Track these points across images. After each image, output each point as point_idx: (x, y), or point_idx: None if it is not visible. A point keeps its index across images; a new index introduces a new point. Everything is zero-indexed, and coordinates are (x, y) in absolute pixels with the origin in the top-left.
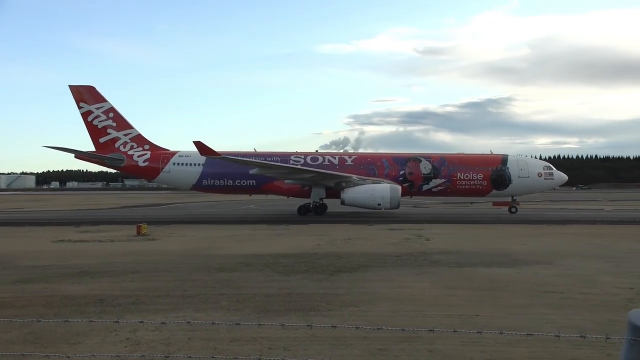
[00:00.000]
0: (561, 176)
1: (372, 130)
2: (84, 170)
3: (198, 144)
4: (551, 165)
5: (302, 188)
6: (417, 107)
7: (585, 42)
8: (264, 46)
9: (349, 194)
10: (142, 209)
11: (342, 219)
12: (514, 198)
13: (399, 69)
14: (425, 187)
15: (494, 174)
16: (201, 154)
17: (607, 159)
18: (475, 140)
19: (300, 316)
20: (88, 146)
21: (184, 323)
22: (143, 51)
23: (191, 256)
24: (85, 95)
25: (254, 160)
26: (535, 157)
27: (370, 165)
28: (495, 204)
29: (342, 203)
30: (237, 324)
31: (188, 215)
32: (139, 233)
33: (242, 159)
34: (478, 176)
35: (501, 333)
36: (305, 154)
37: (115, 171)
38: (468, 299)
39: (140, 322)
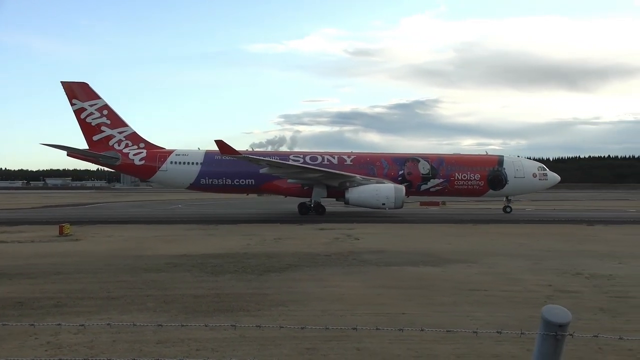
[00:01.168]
0: (554, 177)
1: (302, 130)
2: (3, 169)
3: (219, 142)
4: (545, 166)
5: (302, 187)
6: (347, 107)
7: (507, 46)
8: (194, 44)
9: (354, 193)
10: (65, 209)
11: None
12: (509, 198)
13: (329, 70)
14: (423, 187)
15: (491, 174)
16: (221, 153)
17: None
18: (404, 140)
19: (229, 317)
20: (73, 143)
21: (107, 325)
22: (65, 46)
23: (116, 257)
24: (78, 92)
25: (276, 160)
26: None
27: (370, 165)
28: (422, 203)
29: (346, 203)
30: (160, 325)
31: (113, 215)
32: (61, 233)
33: (262, 158)
34: (475, 176)
35: (422, 330)
36: (304, 154)
37: (33, 169)
38: (395, 297)
39: (62, 325)
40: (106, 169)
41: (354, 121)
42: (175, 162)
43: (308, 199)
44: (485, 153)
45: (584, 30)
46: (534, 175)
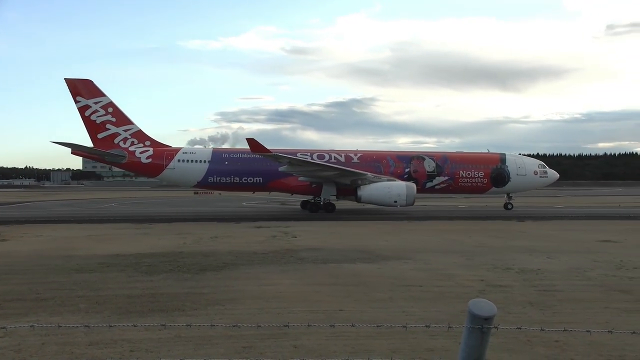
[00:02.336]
0: (554, 174)
1: (240, 128)
2: None
3: (251, 141)
4: (544, 164)
5: (310, 185)
6: (284, 105)
7: (441, 47)
8: (127, 40)
9: (366, 191)
10: None
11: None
12: (510, 195)
13: (266, 67)
14: (428, 185)
15: (494, 172)
16: (252, 151)
17: None
18: (341, 139)
19: (164, 317)
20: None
21: (35, 327)
22: None
23: (46, 257)
24: (82, 89)
25: (309, 160)
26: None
27: (376, 163)
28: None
29: (358, 200)
30: (91, 326)
31: (43, 215)
32: None
33: (291, 157)
34: (479, 174)
35: (353, 326)
36: (311, 152)
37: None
38: (332, 294)
39: None
40: (34, 167)
41: (292, 119)
42: (183, 160)
43: (311, 197)
44: (487, 151)
45: (514, 32)
46: (535, 173)
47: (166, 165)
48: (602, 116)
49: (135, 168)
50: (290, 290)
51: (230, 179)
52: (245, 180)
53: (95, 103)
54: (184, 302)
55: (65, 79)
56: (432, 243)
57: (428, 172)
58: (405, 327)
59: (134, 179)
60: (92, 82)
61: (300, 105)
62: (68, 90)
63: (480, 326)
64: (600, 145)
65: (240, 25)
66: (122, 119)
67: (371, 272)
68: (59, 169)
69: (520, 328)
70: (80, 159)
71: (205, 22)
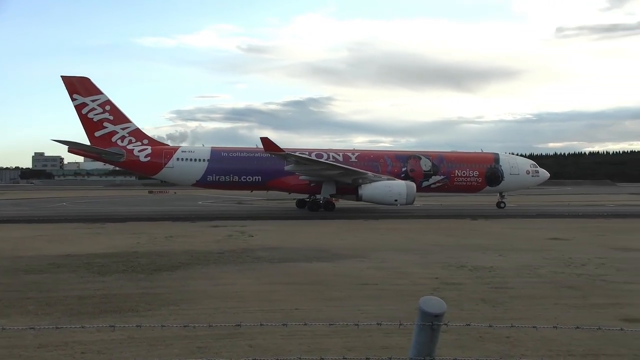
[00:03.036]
0: (545, 173)
1: (195, 126)
2: None
3: (265, 140)
4: (536, 163)
5: (309, 184)
6: (240, 104)
7: (397, 47)
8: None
9: (367, 190)
10: None
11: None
12: (502, 194)
13: (222, 66)
14: (424, 184)
15: (489, 171)
16: (265, 151)
17: None
18: (298, 138)
19: (117, 318)
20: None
21: None
22: None
23: None
24: (79, 87)
25: (321, 160)
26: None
27: (374, 162)
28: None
29: (359, 199)
30: (35, 328)
31: None
32: None
33: (306, 156)
34: (474, 173)
35: (306, 324)
36: (310, 150)
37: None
38: (289, 293)
39: None
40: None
41: (248, 118)
42: (182, 159)
43: (307, 196)
44: (480, 150)
45: (468, 34)
46: (527, 172)
47: (165, 164)
48: (552, 117)
49: (134, 167)
50: (246, 290)
51: (230, 178)
52: (244, 179)
53: (93, 101)
54: (137, 302)
55: (62, 76)
56: (387, 241)
57: (424, 171)
58: (357, 325)
59: (86, 177)
60: (89, 79)
61: (257, 104)
62: (65, 88)
63: (431, 323)
64: (551, 145)
65: (195, 23)
66: (119, 117)
67: (328, 271)
68: (7, 168)
69: (469, 325)
70: (30, 156)
71: (159, 20)
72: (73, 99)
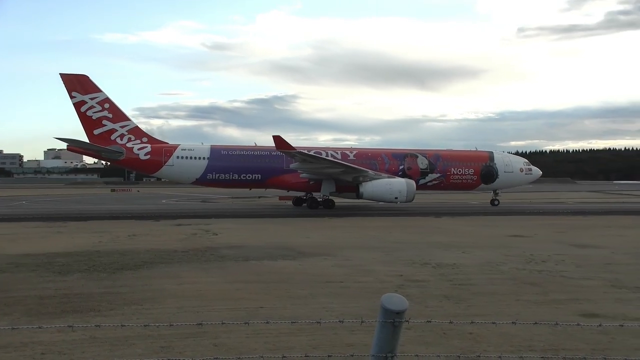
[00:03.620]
0: (537, 171)
1: (159, 124)
2: None
3: (277, 138)
4: (528, 162)
5: (309, 183)
6: (205, 101)
7: (362, 45)
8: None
9: (368, 187)
10: None
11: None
12: (496, 192)
13: (186, 63)
14: (421, 182)
15: (484, 169)
16: (277, 149)
17: None
18: (262, 136)
19: (78, 318)
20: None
21: None
22: None
23: None
24: (77, 85)
25: (330, 159)
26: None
27: (372, 160)
28: (281, 198)
29: (360, 197)
30: None
31: None
32: None
33: (312, 154)
34: (470, 171)
35: (267, 322)
36: (308, 148)
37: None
38: (254, 292)
39: None
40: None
41: (213, 115)
42: (182, 157)
43: (304, 194)
44: (475, 149)
45: (432, 33)
46: (521, 170)
47: (165, 162)
48: (513, 115)
49: (134, 165)
50: (210, 289)
51: (229, 176)
52: (244, 177)
53: (92, 99)
54: (99, 302)
55: (60, 74)
56: (352, 239)
57: (421, 169)
58: (319, 322)
59: (46, 176)
60: (88, 77)
61: (221, 101)
62: (63, 86)
63: (392, 320)
64: (513, 143)
65: (158, 20)
66: (118, 115)
67: (292, 269)
68: None
69: (430, 321)
70: None
71: (121, 15)
72: (72, 97)
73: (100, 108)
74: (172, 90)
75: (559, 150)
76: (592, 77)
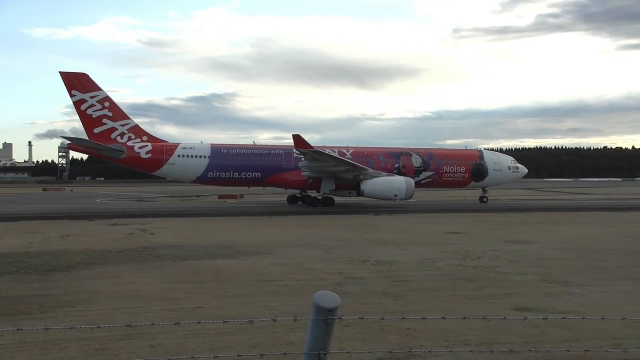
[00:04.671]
0: (523, 169)
1: None
2: None
3: (296, 137)
4: (515, 160)
5: (307, 181)
6: (141, 99)
7: (302, 44)
8: None
9: (369, 185)
10: None
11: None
12: (485, 189)
13: (122, 59)
14: (415, 180)
15: (475, 167)
16: (296, 147)
17: None
18: (201, 134)
19: (7, 321)
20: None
21: None
22: None
23: None
24: (77, 83)
25: (342, 158)
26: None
27: (368, 159)
28: (220, 196)
29: (360, 194)
30: None
31: None
32: None
33: (327, 153)
34: (461, 169)
35: (199, 323)
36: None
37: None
38: (192, 291)
39: None
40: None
41: (150, 113)
42: (183, 156)
43: (299, 192)
44: (464, 147)
45: (370, 33)
46: (509, 168)
47: (166, 161)
48: (450, 114)
49: (135, 163)
50: (147, 289)
51: (230, 174)
52: (244, 175)
53: (92, 97)
54: (30, 304)
55: (60, 72)
56: (292, 237)
57: (415, 167)
58: (251, 321)
59: None
60: (88, 76)
61: (158, 99)
62: (63, 84)
63: (325, 317)
64: (449, 142)
65: (91, 15)
66: (118, 114)
67: (232, 268)
68: None
69: (362, 318)
70: None
71: (52, 10)
72: (72, 95)
73: (101, 106)
74: (107, 87)
75: (492, 149)
76: (525, 78)
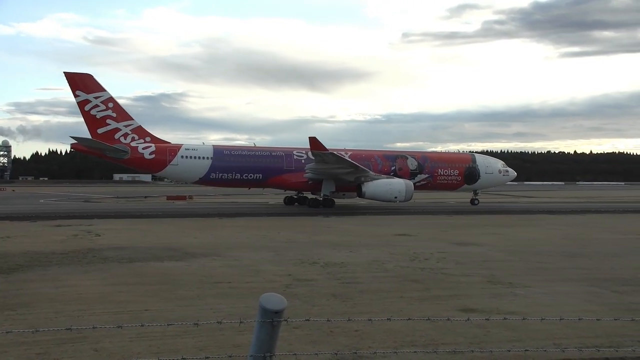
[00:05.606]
0: (513, 172)
1: (37, 120)
2: None
3: (313, 139)
4: (505, 163)
5: (307, 182)
6: None
7: (253, 45)
8: None
9: (370, 187)
10: None
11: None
12: (476, 192)
13: (67, 57)
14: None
15: (467, 170)
16: (312, 149)
17: None
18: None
19: None
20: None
21: None
22: None
23: None
24: (81, 84)
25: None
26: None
27: (366, 162)
28: (168, 198)
29: (362, 196)
30: None
31: None
32: None
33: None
34: (454, 172)
35: (142, 326)
36: (306, 150)
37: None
38: (138, 294)
39: None
40: None
41: None
42: (186, 157)
43: (295, 193)
44: (457, 151)
45: (322, 35)
46: (499, 171)
47: (170, 161)
48: (399, 118)
49: (138, 164)
50: (91, 292)
51: (232, 175)
52: (246, 176)
53: (96, 98)
54: None
55: (64, 72)
56: (242, 239)
57: (411, 170)
58: (197, 324)
59: None
60: (92, 76)
61: None
62: (67, 84)
63: (271, 320)
64: (399, 144)
65: (35, 11)
66: (122, 115)
67: (179, 270)
68: None
69: (308, 320)
70: None
71: None
72: (76, 96)
73: (104, 107)
74: (52, 85)
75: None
76: (472, 83)
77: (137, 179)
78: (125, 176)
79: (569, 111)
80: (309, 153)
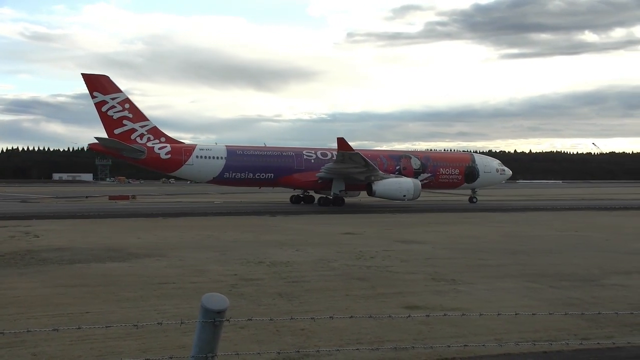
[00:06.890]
0: (509, 171)
1: None
2: None
3: (340, 140)
4: (501, 162)
5: (317, 182)
6: (24, 95)
7: (198, 43)
8: None
9: (380, 186)
10: None
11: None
12: (475, 190)
13: (2, 53)
14: None
15: (467, 169)
16: (339, 150)
17: None
18: (90, 132)
19: None
20: None
21: None
22: None
23: None
24: (99, 85)
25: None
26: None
27: (372, 161)
28: (110, 197)
29: (372, 194)
30: None
31: None
32: None
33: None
34: (455, 171)
35: (79, 328)
36: (315, 149)
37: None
38: (79, 296)
39: None
40: None
41: (34, 110)
42: (201, 157)
43: (301, 192)
44: (456, 150)
45: (267, 34)
46: (497, 170)
47: (185, 161)
48: (345, 117)
49: (154, 164)
50: (29, 295)
51: (245, 175)
52: (258, 176)
53: (112, 99)
54: None
55: (82, 74)
56: (186, 239)
57: (415, 169)
58: (136, 325)
59: None
60: (109, 78)
61: (44, 95)
62: (85, 85)
63: (213, 320)
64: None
65: None
66: (138, 115)
67: (122, 271)
68: None
69: (251, 319)
70: None
71: None
72: (93, 97)
73: (121, 108)
74: None
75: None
76: (416, 83)
77: (77, 178)
78: (65, 175)
79: (509, 111)
80: (318, 153)
